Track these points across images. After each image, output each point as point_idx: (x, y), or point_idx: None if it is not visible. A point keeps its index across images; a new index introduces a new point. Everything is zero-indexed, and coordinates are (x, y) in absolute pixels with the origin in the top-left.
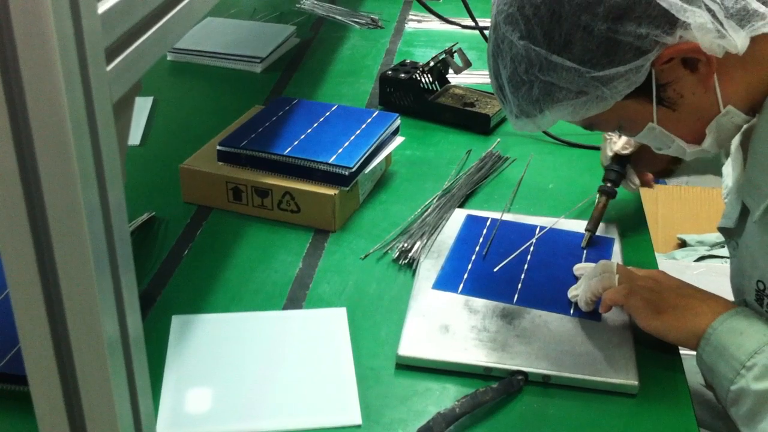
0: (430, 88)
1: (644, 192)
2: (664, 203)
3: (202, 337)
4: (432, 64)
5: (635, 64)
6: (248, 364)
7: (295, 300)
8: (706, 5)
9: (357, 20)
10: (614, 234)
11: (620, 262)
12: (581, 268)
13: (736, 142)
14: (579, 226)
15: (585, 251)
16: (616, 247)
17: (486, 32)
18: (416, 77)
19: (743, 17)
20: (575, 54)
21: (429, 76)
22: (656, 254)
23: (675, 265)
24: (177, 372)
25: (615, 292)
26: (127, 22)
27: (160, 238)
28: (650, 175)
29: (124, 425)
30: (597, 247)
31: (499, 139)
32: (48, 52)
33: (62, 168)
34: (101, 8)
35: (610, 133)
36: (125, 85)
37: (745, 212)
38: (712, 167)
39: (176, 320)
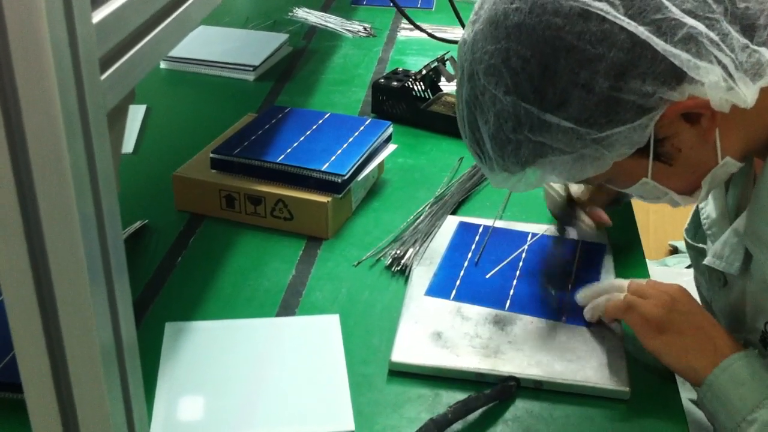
0: (423, 96)
1: (635, 199)
2: (655, 210)
3: (196, 345)
4: (424, 72)
5: (638, 123)
6: (241, 371)
7: (288, 307)
8: (717, 59)
9: (349, 29)
10: (605, 241)
11: (612, 269)
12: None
13: None
14: (570, 233)
15: (576, 258)
16: (608, 254)
17: None
18: (408, 85)
19: (756, 71)
20: (571, 113)
21: (421, 84)
22: (648, 261)
23: (666, 271)
24: (170, 379)
25: (614, 306)
26: (121, 31)
27: (153, 245)
28: (604, 215)
29: None
30: (588, 255)
31: None
32: (42, 62)
33: (56, 176)
34: (96, 18)
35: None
36: (119, 94)
37: (747, 256)
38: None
39: (169, 327)
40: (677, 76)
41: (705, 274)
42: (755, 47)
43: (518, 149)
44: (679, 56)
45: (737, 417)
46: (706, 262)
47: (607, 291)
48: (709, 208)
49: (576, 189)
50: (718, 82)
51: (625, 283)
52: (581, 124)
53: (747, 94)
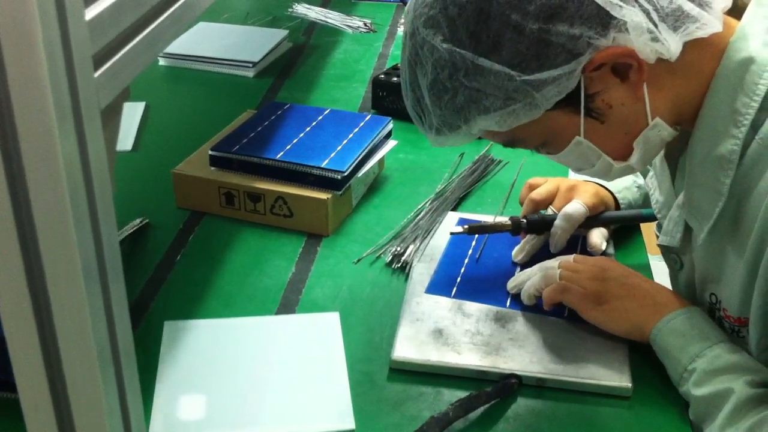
0: None
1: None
2: None
3: (195, 343)
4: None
5: (567, 68)
6: (241, 369)
7: (288, 305)
8: (640, 5)
9: (350, 24)
10: (607, 236)
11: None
12: (519, 253)
13: (660, 154)
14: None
15: (577, 254)
16: (609, 250)
17: None
18: None
19: (677, 18)
20: (504, 56)
21: None
22: (650, 256)
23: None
24: (169, 378)
25: (551, 290)
26: (115, 28)
27: (152, 243)
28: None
29: None
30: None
31: (491, 142)
32: (35, 59)
33: (50, 176)
34: (89, 15)
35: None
36: (113, 91)
37: (688, 229)
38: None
39: (168, 326)
40: (603, 21)
41: (666, 261)
42: None
43: (454, 97)
44: None
45: (680, 369)
46: (658, 242)
47: (537, 271)
48: (656, 194)
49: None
50: (641, 23)
51: (554, 263)
52: (513, 67)
53: (670, 42)
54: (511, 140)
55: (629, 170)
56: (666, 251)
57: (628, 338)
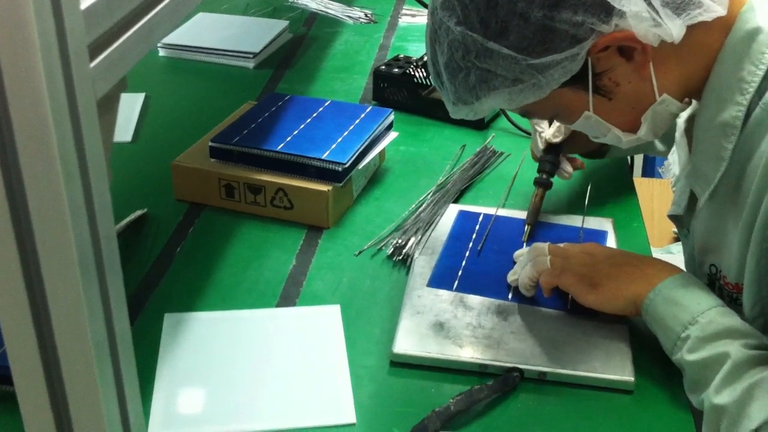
0: (424, 83)
1: (639, 186)
2: (659, 197)
3: (195, 336)
4: (426, 58)
5: (571, 52)
6: (241, 362)
7: (288, 297)
8: None
9: (350, 15)
10: (609, 228)
11: None
12: (520, 254)
13: (680, 129)
14: (573, 220)
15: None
16: (611, 241)
17: None
18: (410, 72)
19: (679, 5)
20: (511, 41)
21: (423, 71)
22: (652, 248)
23: (671, 259)
24: (169, 371)
25: (548, 274)
26: (110, 18)
27: (152, 235)
28: (578, 161)
29: (112, 428)
30: (591, 241)
31: (493, 134)
32: (29, 49)
33: (45, 167)
34: (84, 4)
35: (539, 125)
36: (110, 82)
37: (693, 199)
38: (647, 147)
39: (168, 318)
40: (606, 8)
41: (680, 235)
42: None
43: (467, 76)
44: None
45: (673, 337)
46: (668, 212)
47: (527, 260)
48: (674, 168)
49: (550, 133)
50: (641, 12)
51: (542, 248)
52: (520, 51)
53: (672, 27)
54: (525, 112)
55: (639, 141)
56: (678, 224)
57: (625, 314)
